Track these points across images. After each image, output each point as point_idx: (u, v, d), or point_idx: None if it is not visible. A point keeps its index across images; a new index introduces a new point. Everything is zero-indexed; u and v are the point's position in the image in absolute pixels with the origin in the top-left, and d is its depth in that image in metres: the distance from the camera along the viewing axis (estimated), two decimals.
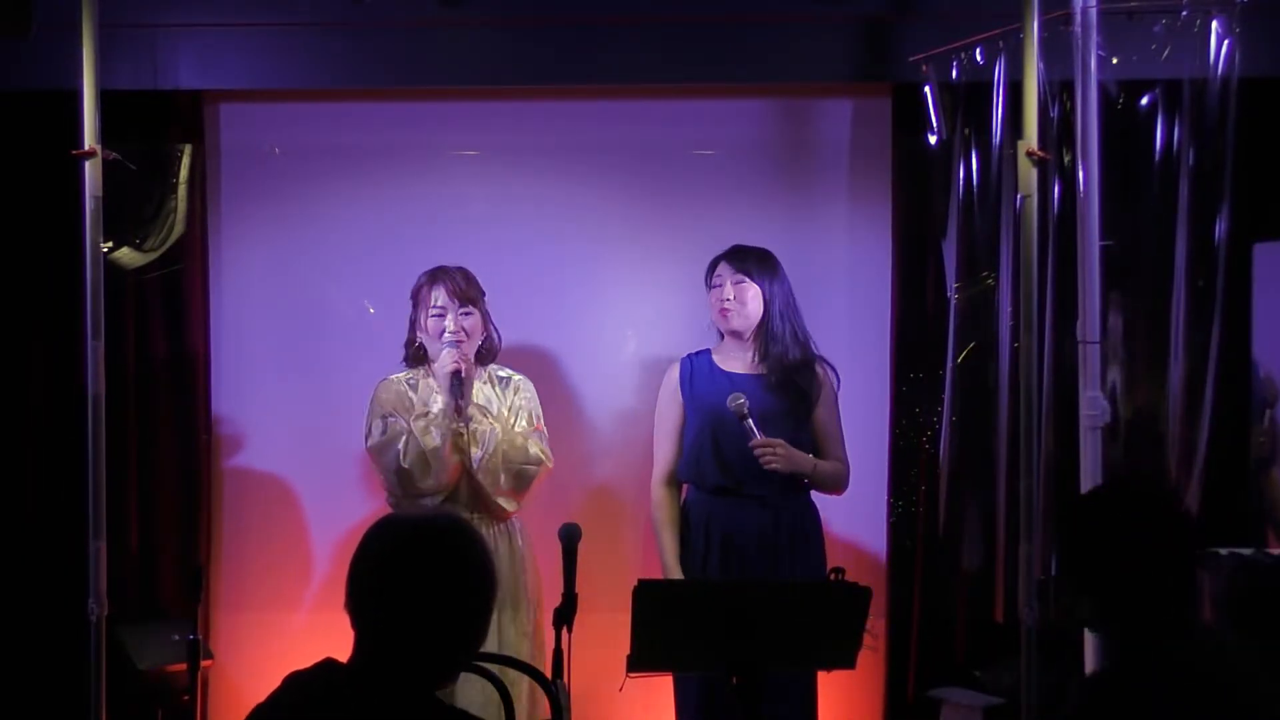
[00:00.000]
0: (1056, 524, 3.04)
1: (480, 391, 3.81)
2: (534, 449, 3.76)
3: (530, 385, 3.89)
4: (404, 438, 3.67)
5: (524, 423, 3.80)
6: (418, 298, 3.81)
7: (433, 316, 3.75)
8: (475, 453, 3.67)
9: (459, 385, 3.67)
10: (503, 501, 3.71)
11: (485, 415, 3.75)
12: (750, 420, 3.64)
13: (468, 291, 3.77)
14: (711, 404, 3.79)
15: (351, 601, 2.03)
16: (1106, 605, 2.16)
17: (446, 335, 3.73)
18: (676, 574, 3.76)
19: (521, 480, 3.73)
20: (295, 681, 2.03)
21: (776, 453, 3.65)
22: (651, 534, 4.06)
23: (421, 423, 3.67)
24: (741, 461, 3.70)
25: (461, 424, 3.67)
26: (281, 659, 4.25)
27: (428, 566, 2.00)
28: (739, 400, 3.65)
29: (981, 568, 4.04)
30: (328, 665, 2.04)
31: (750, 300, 3.78)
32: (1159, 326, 3.72)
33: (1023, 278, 3.44)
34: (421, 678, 2.01)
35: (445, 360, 3.69)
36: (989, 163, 3.81)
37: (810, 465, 3.75)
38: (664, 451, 3.90)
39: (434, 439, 3.65)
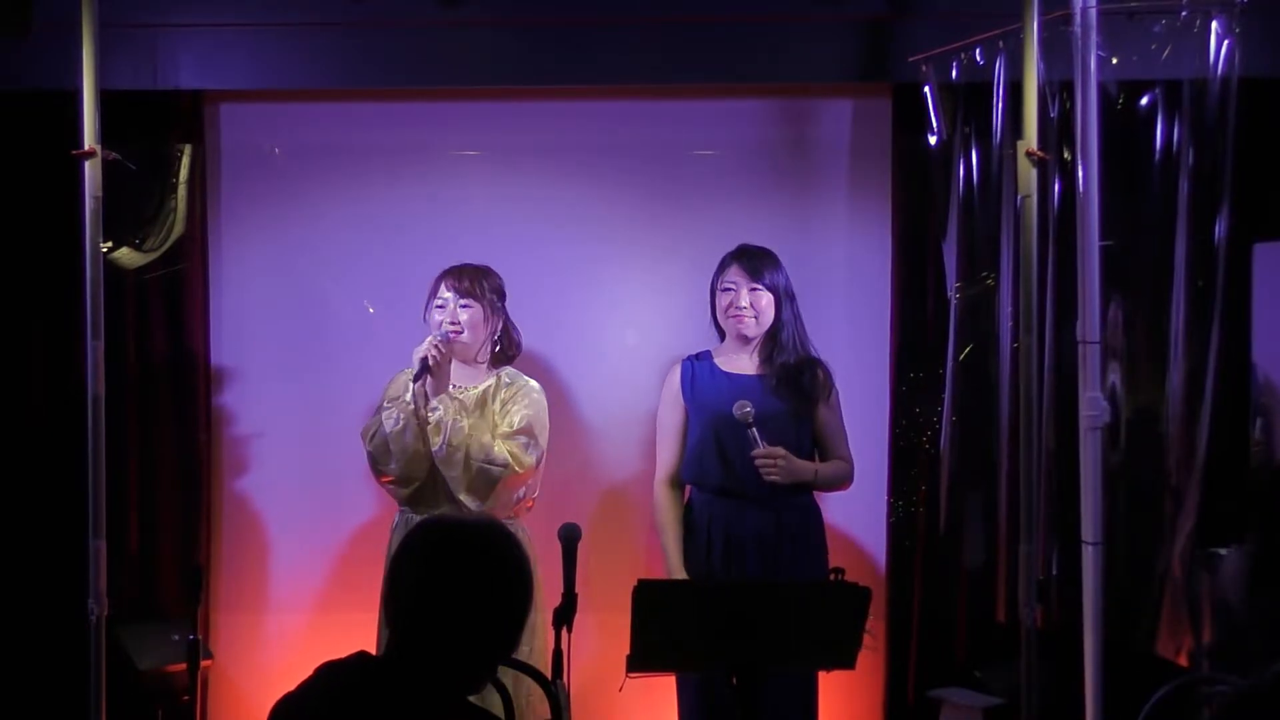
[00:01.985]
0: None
1: (478, 388, 3.81)
2: (500, 450, 3.70)
3: (536, 391, 3.85)
4: (379, 423, 3.73)
5: (510, 424, 3.77)
6: (429, 292, 3.85)
7: (435, 308, 3.80)
8: (436, 441, 3.67)
9: (424, 372, 3.67)
10: (465, 499, 3.68)
11: (461, 409, 3.73)
12: (754, 430, 3.65)
13: (469, 287, 3.79)
14: (714, 406, 3.80)
15: (389, 598, 2.05)
16: None
17: (443, 326, 3.75)
18: (682, 575, 3.76)
19: (483, 480, 3.68)
20: (329, 671, 2.04)
21: (777, 464, 3.67)
22: (653, 534, 4.06)
23: (390, 408, 3.72)
24: (744, 463, 3.71)
25: (429, 411, 3.68)
26: (281, 659, 4.29)
27: (468, 569, 2.02)
28: (745, 409, 3.65)
29: (982, 568, 4.05)
30: (362, 658, 2.05)
31: (765, 308, 3.80)
32: (1159, 326, 3.72)
33: (1023, 278, 3.43)
34: (453, 678, 2.01)
35: (420, 347, 3.70)
36: (989, 163, 3.81)
37: (811, 473, 3.76)
38: (666, 454, 3.90)
39: (392, 423, 3.69)
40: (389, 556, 3.80)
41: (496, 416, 3.79)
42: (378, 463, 3.75)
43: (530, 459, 3.74)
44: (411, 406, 3.69)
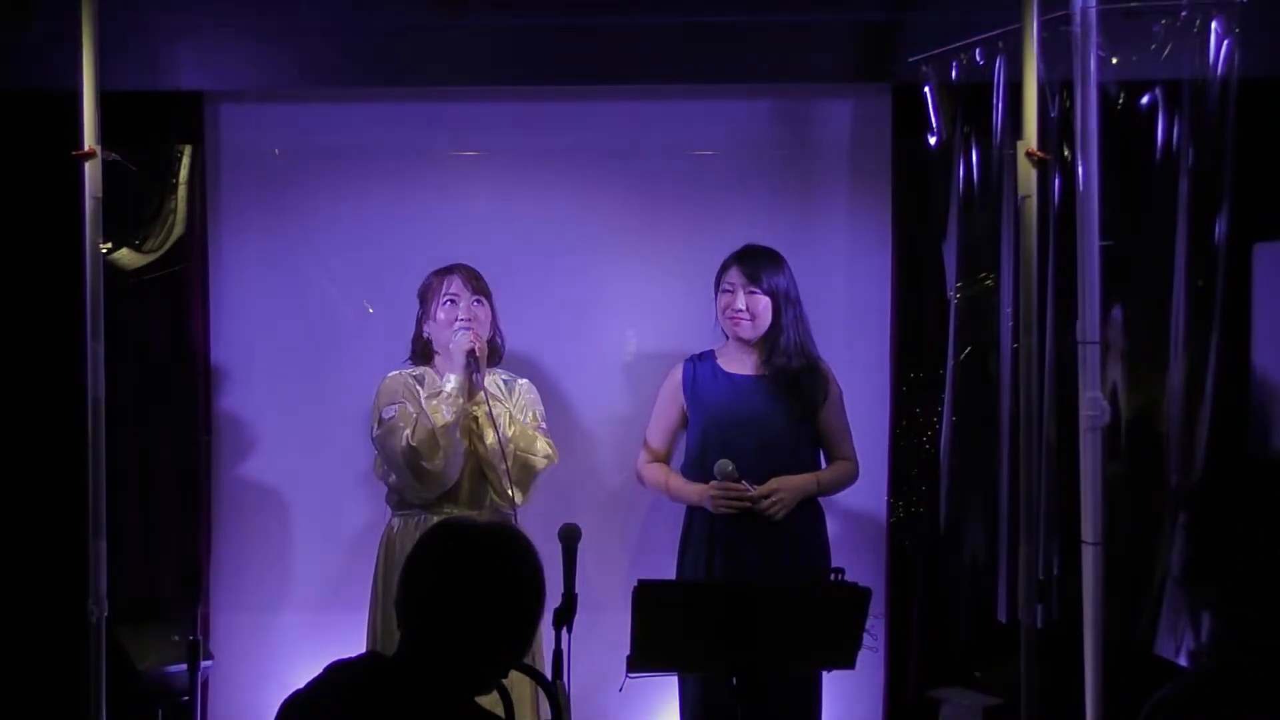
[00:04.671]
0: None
1: (490, 386, 3.82)
2: (542, 443, 3.76)
3: (534, 388, 3.90)
4: (414, 417, 3.64)
5: (533, 419, 3.82)
6: (427, 292, 3.82)
7: (445, 304, 3.75)
8: (490, 435, 3.66)
9: (474, 363, 3.65)
10: (514, 493, 3.68)
11: (499, 401, 3.76)
12: (744, 481, 3.67)
13: (480, 284, 3.80)
14: (715, 407, 3.81)
15: (401, 599, 2.05)
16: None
17: (459, 320, 3.73)
18: (698, 490, 3.77)
19: (527, 472, 3.73)
20: (338, 671, 2.04)
21: (778, 501, 3.70)
22: (649, 534, 4.07)
23: (434, 401, 3.65)
24: (746, 463, 3.71)
25: (474, 405, 3.67)
26: (281, 659, 4.30)
27: (480, 572, 2.03)
28: (728, 468, 3.67)
29: (982, 568, 4.04)
30: (372, 658, 2.05)
31: (762, 312, 3.80)
32: (1159, 326, 3.72)
33: (1023, 278, 3.44)
34: (463, 680, 2.01)
35: (461, 339, 3.66)
36: (989, 163, 3.80)
37: (814, 485, 3.80)
38: (652, 445, 3.97)
39: (445, 415, 3.61)
40: (380, 560, 3.78)
41: (515, 412, 3.79)
42: (421, 456, 3.60)
43: (555, 449, 3.81)
44: (461, 400, 3.64)
